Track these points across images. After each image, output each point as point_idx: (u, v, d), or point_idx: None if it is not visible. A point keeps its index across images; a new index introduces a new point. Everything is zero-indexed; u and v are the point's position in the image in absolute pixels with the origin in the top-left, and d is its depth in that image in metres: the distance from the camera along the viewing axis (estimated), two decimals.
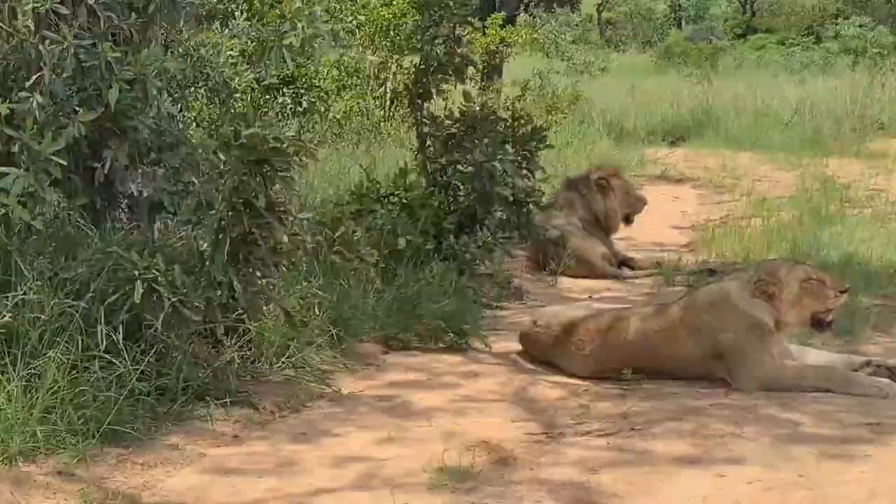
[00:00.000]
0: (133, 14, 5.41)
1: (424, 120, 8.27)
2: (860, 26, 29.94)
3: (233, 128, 5.37)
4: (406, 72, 14.22)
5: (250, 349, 5.89)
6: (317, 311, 5.98)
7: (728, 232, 10.29)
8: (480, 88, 16.20)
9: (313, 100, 12.34)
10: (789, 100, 21.60)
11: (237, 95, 10.89)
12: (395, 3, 13.79)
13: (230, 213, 5.39)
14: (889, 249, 9.26)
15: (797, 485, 4.54)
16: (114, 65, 5.21)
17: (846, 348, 6.51)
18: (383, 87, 14.61)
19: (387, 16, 13.64)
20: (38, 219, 5.42)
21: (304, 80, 12.18)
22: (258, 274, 5.60)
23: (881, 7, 54.14)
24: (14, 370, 4.83)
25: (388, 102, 14.50)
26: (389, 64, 14.39)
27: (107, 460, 4.79)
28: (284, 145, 5.29)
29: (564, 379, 6.23)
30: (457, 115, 8.28)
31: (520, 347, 6.77)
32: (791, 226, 10.24)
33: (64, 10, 5.11)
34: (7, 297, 5.25)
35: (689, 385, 5.92)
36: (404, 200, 7.85)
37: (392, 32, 13.82)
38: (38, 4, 4.96)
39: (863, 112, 19.27)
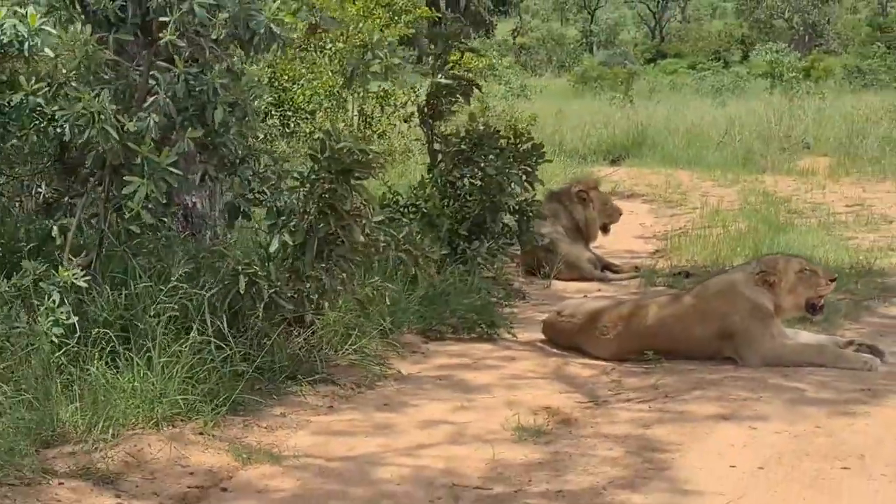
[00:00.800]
0: (231, 45, 6.23)
1: (436, 138, 9.17)
2: (776, 52, 31.45)
3: (319, 141, 6.24)
4: (374, 95, 15.13)
5: (316, 337, 6.71)
6: (387, 300, 6.80)
7: (693, 240, 11.32)
8: None
9: (300, 121, 13.17)
10: (717, 121, 22.86)
11: None
12: (365, 30, 14.64)
13: (318, 216, 6.22)
14: (840, 253, 10.32)
15: (816, 433, 5.50)
16: (219, 89, 6.01)
17: (825, 334, 7.49)
18: (350, 109, 15.46)
19: (359, 43, 14.49)
20: (134, 224, 6.24)
21: (290, 103, 12.99)
22: (337, 269, 6.42)
23: (784, 32, 56.37)
24: (153, 353, 5.61)
25: (355, 124, 15.34)
26: (357, 87, 15.22)
27: (235, 424, 5.62)
28: (369, 157, 6.15)
29: (590, 361, 7.17)
30: (462, 133, 9.18)
31: (542, 337, 7.69)
32: (749, 234, 11.27)
33: (181, 43, 5.90)
34: (121, 291, 6.05)
35: (701, 363, 6.87)
36: (424, 210, 8.72)
37: (364, 57, 14.66)
38: (168, 38, 5.74)
39: (788, 133, 20.56)
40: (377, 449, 5.44)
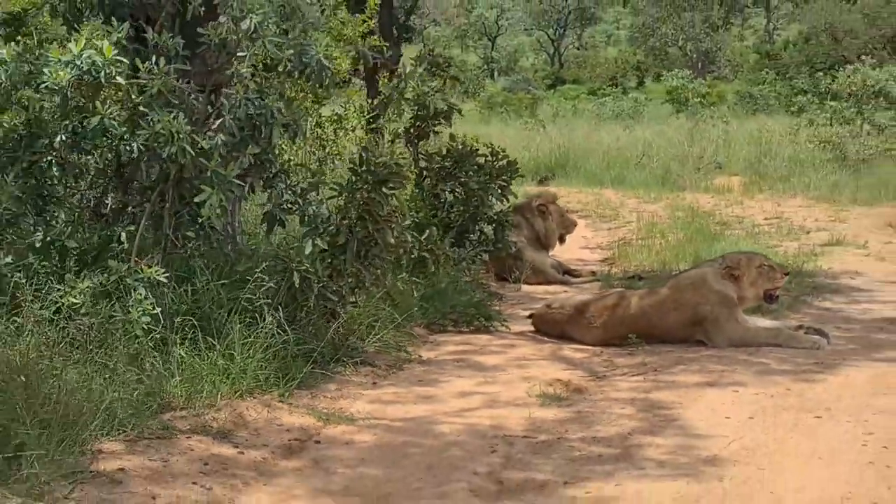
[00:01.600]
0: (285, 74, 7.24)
1: (421, 156, 10.26)
2: (681, 78, 33.17)
3: (358, 155, 7.29)
4: (329, 119, 16.12)
5: (347, 327, 7.71)
6: (414, 294, 7.85)
7: (638, 249, 12.54)
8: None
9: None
10: (631, 144, 24.28)
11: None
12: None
13: (357, 221, 7.25)
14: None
15: (787, 395, 6.69)
16: (275, 112, 7.03)
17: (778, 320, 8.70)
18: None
19: None
20: (190, 230, 7.25)
21: None
22: (372, 267, 7.45)
23: (679, 59, 58.48)
24: (235, 337, 6.58)
25: (308, 146, 16.30)
26: (311, 112, 16.22)
27: (304, 396, 6.63)
28: (402, 169, 7.21)
29: (580, 346, 8.28)
30: (443, 152, 10.28)
31: (531, 328, 8.79)
32: (687, 243, 12.50)
33: (247, 73, 6.92)
34: (186, 288, 7.02)
35: (676, 346, 8.02)
36: (416, 221, 9.77)
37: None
38: (245, 69, 6.77)
39: (701, 154, 22.03)
40: (428, 413, 6.48)
